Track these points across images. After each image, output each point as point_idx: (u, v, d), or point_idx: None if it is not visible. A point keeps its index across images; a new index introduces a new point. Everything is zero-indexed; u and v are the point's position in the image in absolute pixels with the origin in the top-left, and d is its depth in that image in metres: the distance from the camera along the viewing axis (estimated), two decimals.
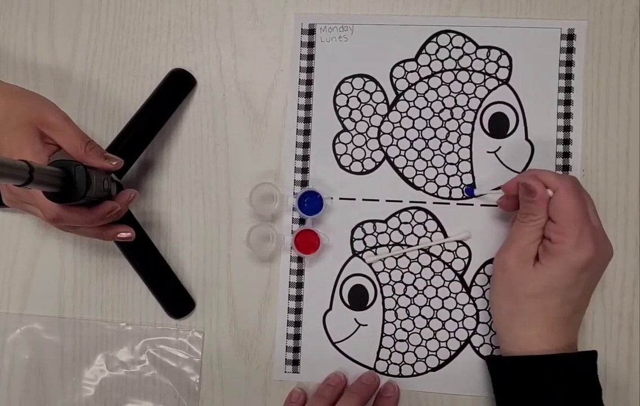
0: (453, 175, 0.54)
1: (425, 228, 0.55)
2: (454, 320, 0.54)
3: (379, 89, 0.55)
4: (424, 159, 0.55)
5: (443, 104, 0.55)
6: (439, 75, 0.55)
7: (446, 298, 0.54)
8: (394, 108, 0.55)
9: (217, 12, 0.57)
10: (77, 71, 0.57)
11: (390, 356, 0.54)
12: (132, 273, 0.55)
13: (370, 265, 0.55)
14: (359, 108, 0.55)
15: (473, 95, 0.54)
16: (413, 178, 0.55)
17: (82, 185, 0.44)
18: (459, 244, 0.54)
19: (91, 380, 0.56)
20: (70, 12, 0.58)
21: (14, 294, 0.57)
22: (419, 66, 0.55)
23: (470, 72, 0.55)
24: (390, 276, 0.55)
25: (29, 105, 0.48)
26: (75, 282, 0.57)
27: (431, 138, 0.55)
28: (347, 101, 0.55)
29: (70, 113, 0.49)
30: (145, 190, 0.57)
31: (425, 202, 0.55)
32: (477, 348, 0.54)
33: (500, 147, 0.54)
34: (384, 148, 0.55)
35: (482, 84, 0.54)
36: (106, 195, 0.48)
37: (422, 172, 0.55)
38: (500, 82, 0.54)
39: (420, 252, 0.55)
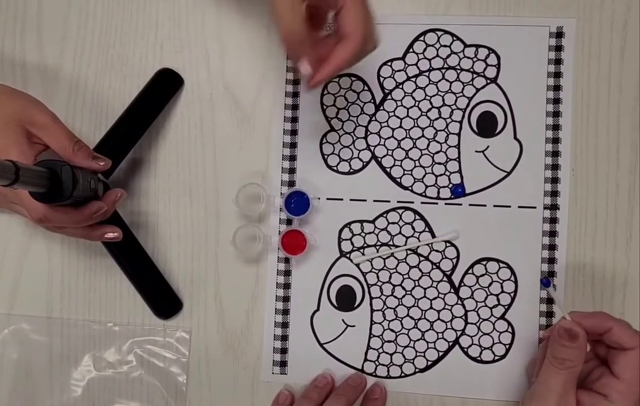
0: (441, 175, 0.54)
1: (413, 228, 0.54)
2: (442, 320, 0.54)
3: (366, 88, 0.55)
4: (411, 159, 0.54)
5: (431, 103, 0.54)
6: (427, 74, 0.54)
7: (434, 298, 0.54)
8: (382, 108, 0.55)
9: (205, 12, 0.57)
10: (65, 70, 0.57)
11: (378, 357, 0.54)
12: (119, 273, 0.55)
13: (357, 265, 0.55)
14: (346, 107, 0.55)
15: (461, 94, 0.54)
16: (401, 178, 0.54)
17: (68, 186, 0.44)
18: (447, 244, 0.54)
19: (79, 380, 0.56)
20: (58, 11, 0.57)
21: (1, 294, 0.57)
22: (406, 65, 0.55)
23: (458, 71, 0.54)
24: (378, 277, 0.54)
25: (16, 104, 0.48)
26: (62, 282, 0.57)
27: (419, 137, 0.54)
28: (334, 101, 0.55)
29: (58, 113, 0.49)
30: (133, 190, 0.56)
31: (413, 202, 0.54)
32: (465, 349, 0.53)
33: (488, 146, 0.54)
34: (372, 148, 0.55)
35: (470, 83, 0.54)
36: (93, 195, 0.48)
37: (409, 172, 0.54)
38: (488, 81, 0.54)
39: (408, 252, 0.54)
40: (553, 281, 0.53)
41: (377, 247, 0.54)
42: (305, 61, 0.42)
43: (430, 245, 0.54)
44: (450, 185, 0.54)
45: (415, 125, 0.54)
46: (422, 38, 0.54)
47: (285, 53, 0.41)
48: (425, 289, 0.54)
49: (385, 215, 0.54)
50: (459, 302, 0.54)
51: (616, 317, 0.46)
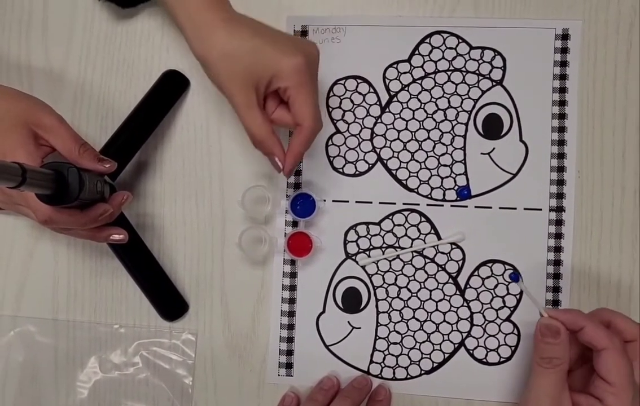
0: (447, 177, 0.54)
1: (418, 230, 0.54)
2: (448, 322, 0.54)
3: (371, 90, 0.55)
4: (417, 161, 0.54)
5: (436, 105, 0.54)
6: (432, 76, 0.54)
7: (440, 300, 0.54)
8: (387, 110, 0.55)
9: None
10: (71, 73, 0.57)
11: (383, 359, 0.54)
12: (125, 275, 0.55)
13: (363, 267, 0.55)
14: (352, 110, 0.55)
15: (467, 96, 0.54)
16: (406, 180, 0.54)
17: (75, 188, 0.44)
18: (453, 246, 0.54)
19: (85, 382, 0.56)
20: (64, 14, 0.58)
21: (8, 296, 0.57)
22: (412, 67, 0.55)
23: (464, 73, 0.54)
24: (383, 278, 0.54)
25: (23, 106, 0.48)
26: (68, 284, 0.57)
27: (424, 139, 0.54)
28: (340, 103, 0.55)
29: (64, 115, 0.49)
30: (139, 192, 0.57)
31: (418, 204, 0.54)
32: (471, 351, 0.53)
33: (494, 149, 0.54)
34: (377, 150, 0.55)
35: (476, 85, 0.54)
36: (99, 197, 0.48)
37: (415, 174, 0.54)
38: (494, 83, 0.54)
39: (414, 254, 0.54)
40: (558, 283, 0.53)
41: (383, 249, 0.54)
42: (276, 158, 0.47)
43: (436, 247, 0.54)
44: (456, 187, 0.54)
45: (421, 127, 0.54)
46: (428, 40, 0.54)
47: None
48: (431, 291, 0.54)
49: (391, 217, 0.54)
50: (465, 303, 0.54)
51: (591, 315, 0.46)
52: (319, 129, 0.47)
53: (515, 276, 0.48)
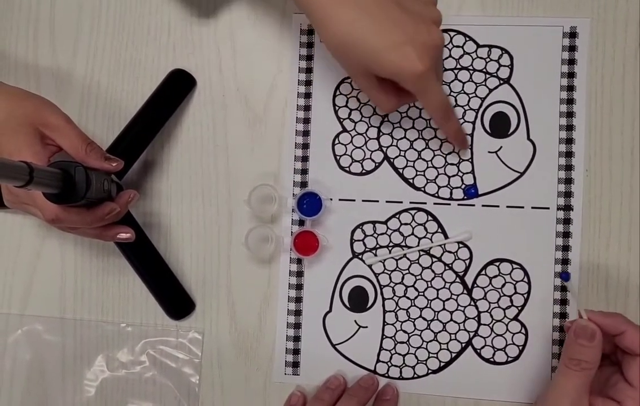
0: (454, 176, 0.54)
1: (425, 229, 0.54)
2: (455, 321, 0.54)
3: None
4: (424, 160, 0.54)
5: None
6: None
7: (447, 299, 0.54)
8: None
9: (217, 13, 0.57)
10: (78, 72, 0.58)
11: (390, 358, 0.54)
12: (132, 274, 0.55)
13: (370, 266, 0.54)
14: (359, 108, 0.55)
15: (474, 94, 0.54)
16: (413, 178, 0.54)
17: (82, 186, 0.44)
18: (460, 245, 0.54)
19: (92, 380, 0.56)
20: (71, 14, 0.58)
21: (15, 295, 0.57)
22: None
23: (471, 71, 0.54)
24: (390, 277, 0.54)
25: (30, 106, 0.48)
26: (75, 283, 0.57)
27: (431, 138, 0.54)
28: (347, 101, 0.55)
29: (71, 115, 0.49)
30: (145, 191, 0.57)
31: (425, 203, 0.54)
32: (478, 350, 0.53)
33: (501, 147, 0.54)
34: (384, 149, 0.55)
35: (483, 83, 0.54)
36: (106, 196, 0.48)
37: (422, 173, 0.54)
38: (501, 81, 0.54)
39: (421, 253, 0.54)
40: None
41: (390, 248, 0.54)
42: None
43: (443, 246, 0.54)
44: (463, 186, 0.54)
45: (428, 125, 0.54)
46: None
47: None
48: (438, 290, 0.54)
49: (397, 216, 0.54)
50: (472, 303, 0.53)
51: (632, 322, 0.45)
52: (446, 119, 0.49)
53: (566, 275, 0.47)
